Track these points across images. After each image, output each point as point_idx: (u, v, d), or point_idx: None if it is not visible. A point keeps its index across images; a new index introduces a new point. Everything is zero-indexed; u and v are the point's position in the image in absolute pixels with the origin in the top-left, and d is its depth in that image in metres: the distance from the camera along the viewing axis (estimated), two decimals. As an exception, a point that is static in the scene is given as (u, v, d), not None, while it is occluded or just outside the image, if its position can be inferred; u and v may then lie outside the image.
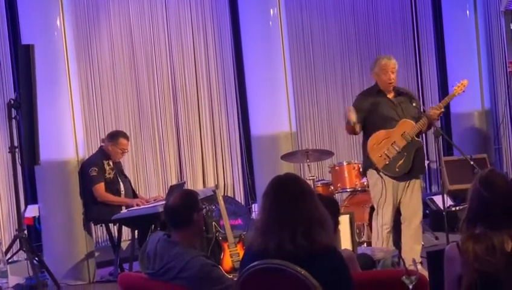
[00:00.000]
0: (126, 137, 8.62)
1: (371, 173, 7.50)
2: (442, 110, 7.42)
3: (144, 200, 8.58)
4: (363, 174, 7.97)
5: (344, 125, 7.77)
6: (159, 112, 10.07)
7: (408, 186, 7.41)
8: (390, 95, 7.46)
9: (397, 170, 7.34)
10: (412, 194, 7.42)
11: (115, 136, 8.56)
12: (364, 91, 7.80)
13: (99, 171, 8.30)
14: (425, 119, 7.34)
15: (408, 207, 7.44)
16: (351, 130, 7.47)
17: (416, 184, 7.44)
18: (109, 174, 8.39)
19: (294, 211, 3.82)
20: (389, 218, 7.38)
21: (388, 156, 7.33)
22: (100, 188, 8.29)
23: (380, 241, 7.40)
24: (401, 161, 7.34)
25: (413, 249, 7.38)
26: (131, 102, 9.86)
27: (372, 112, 7.42)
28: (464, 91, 7.60)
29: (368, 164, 7.52)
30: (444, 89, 11.80)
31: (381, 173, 7.37)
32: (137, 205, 8.34)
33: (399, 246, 7.48)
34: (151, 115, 10.00)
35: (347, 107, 7.52)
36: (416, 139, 7.40)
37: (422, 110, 7.42)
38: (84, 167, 8.37)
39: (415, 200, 7.44)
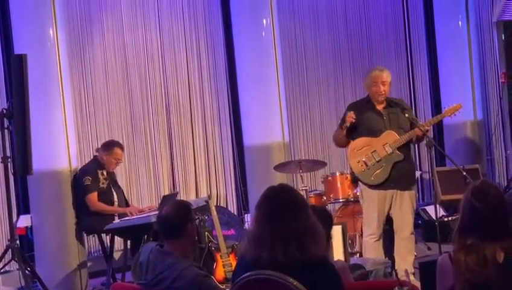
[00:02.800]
0: (121, 147, 8.61)
1: (359, 183, 7.58)
2: (427, 128, 7.38)
3: (137, 209, 8.57)
4: (355, 183, 8.00)
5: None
6: (152, 122, 10.07)
7: (396, 197, 7.41)
8: (380, 107, 7.48)
9: (372, 179, 7.38)
10: (401, 205, 7.41)
11: (110, 146, 8.55)
12: (354, 102, 7.84)
13: (93, 180, 8.29)
14: (411, 133, 7.35)
15: (398, 219, 7.44)
16: (340, 140, 7.50)
17: (405, 196, 7.42)
18: (103, 183, 8.38)
19: (287, 223, 3.82)
20: (376, 227, 7.39)
21: (366, 164, 7.37)
22: (93, 197, 8.27)
23: (368, 250, 7.41)
24: (379, 171, 7.36)
25: (405, 260, 7.38)
26: (124, 112, 9.86)
27: (359, 123, 7.43)
28: (455, 114, 7.61)
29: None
30: (436, 101, 11.83)
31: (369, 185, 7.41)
32: (130, 213, 8.33)
33: (392, 257, 7.49)
34: (144, 125, 9.99)
35: (350, 114, 7.42)
36: (398, 152, 7.39)
37: (412, 121, 7.40)
38: (78, 176, 8.35)
39: (405, 212, 7.43)
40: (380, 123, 7.42)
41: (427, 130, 7.34)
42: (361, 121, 7.43)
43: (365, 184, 7.44)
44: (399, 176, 7.38)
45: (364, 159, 7.38)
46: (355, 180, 7.82)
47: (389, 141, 7.35)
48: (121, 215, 8.33)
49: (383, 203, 7.38)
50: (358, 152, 7.43)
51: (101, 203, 8.31)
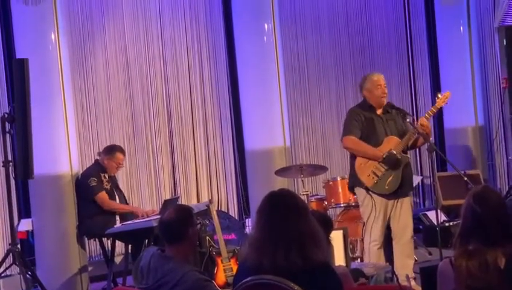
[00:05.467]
0: (122, 152, 8.62)
1: (359, 190, 7.48)
2: (425, 122, 7.29)
3: (142, 211, 8.56)
4: (351, 190, 7.93)
5: (338, 141, 7.77)
6: (153, 126, 10.07)
7: (397, 202, 7.40)
8: (379, 112, 7.48)
9: (387, 187, 7.32)
10: (401, 210, 7.40)
11: (112, 150, 8.56)
12: (357, 107, 7.69)
13: (98, 181, 8.30)
14: (411, 133, 7.33)
15: (398, 223, 7.42)
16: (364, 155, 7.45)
17: (405, 200, 7.43)
18: (106, 186, 8.38)
19: (288, 228, 3.82)
20: (379, 234, 7.34)
21: (376, 175, 7.31)
22: (103, 196, 8.27)
23: (370, 257, 7.38)
24: (391, 178, 7.31)
25: (405, 265, 7.36)
26: (126, 116, 9.87)
27: (364, 128, 7.41)
28: (446, 103, 7.62)
29: (354, 181, 7.50)
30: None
31: (370, 192, 7.36)
32: (141, 215, 8.33)
33: (391, 262, 7.47)
34: (145, 129, 10.00)
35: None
36: (404, 155, 7.38)
37: (412, 121, 7.41)
38: (82, 179, 8.36)
39: (405, 215, 7.42)
40: (382, 128, 7.42)
41: (426, 124, 7.28)
42: (367, 126, 7.40)
43: (380, 195, 7.36)
44: (408, 179, 7.40)
45: (373, 171, 7.33)
46: (351, 188, 7.75)
47: (391, 146, 7.34)
48: (122, 219, 8.33)
49: (386, 209, 7.37)
50: (366, 166, 7.36)
51: (113, 202, 8.31)
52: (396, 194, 7.37)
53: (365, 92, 7.53)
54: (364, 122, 7.42)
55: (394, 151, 7.30)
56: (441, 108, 7.94)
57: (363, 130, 7.42)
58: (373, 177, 7.32)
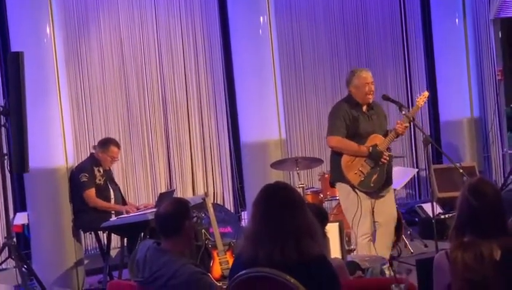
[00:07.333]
0: (117, 145, 8.60)
1: (341, 185, 7.44)
2: (407, 125, 7.31)
3: (134, 207, 8.56)
4: (332, 186, 7.88)
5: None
6: (149, 120, 10.07)
7: (380, 196, 7.38)
8: (364, 108, 7.44)
9: (372, 185, 7.29)
10: (384, 203, 7.38)
11: (106, 143, 8.55)
12: (344, 102, 7.51)
13: (90, 177, 8.29)
14: (393, 134, 7.32)
15: (383, 213, 7.38)
16: (350, 152, 7.43)
17: (388, 193, 7.43)
18: (99, 180, 8.37)
19: (284, 221, 3.82)
20: (368, 227, 7.30)
21: (362, 172, 7.28)
22: (91, 193, 8.27)
23: (362, 250, 7.34)
24: (375, 176, 7.29)
25: (383, 255, 7.35)
26: (121, 109, 9.86)
27: (350, 127, 7.36)
28: (425, 102, 7.61)
29: (338, 177, 7.45)
30: (433, 98, 11.80)
31: (356, 189, 7.34)
32: (126, 211, 8.33)
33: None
34: (140, 122, 10.00)
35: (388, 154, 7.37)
36: (388, 152, 7.36)
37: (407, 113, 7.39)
38: (75, 173, 8.35)
39: (389, 208, 7.43)
40: (368, 125, 7.37)
41: (407, 127, 7.31)
42: (354, 122, 7.35)
43: (366, 193, 7.33)
44: (388, 177, 7.41)
45: (360, 168, 7.30)
46: (333, 183, 7.73)
47: (376, 143, 7.33)
48: (117, 213, 8.33)
49: (370, 204, 7.35)
50: (352, 164, 7.32)
51: (99, 200, 8.30)
52: (381, 190, 7.37)
53: (352, 88, 7.42)
54: (351, 120, 7.35)
55: (379, 148, 7.28)
56: (436, 105, 7.94)
57: (348, 129, 7.35)
58: (359, 175, 7.29)
